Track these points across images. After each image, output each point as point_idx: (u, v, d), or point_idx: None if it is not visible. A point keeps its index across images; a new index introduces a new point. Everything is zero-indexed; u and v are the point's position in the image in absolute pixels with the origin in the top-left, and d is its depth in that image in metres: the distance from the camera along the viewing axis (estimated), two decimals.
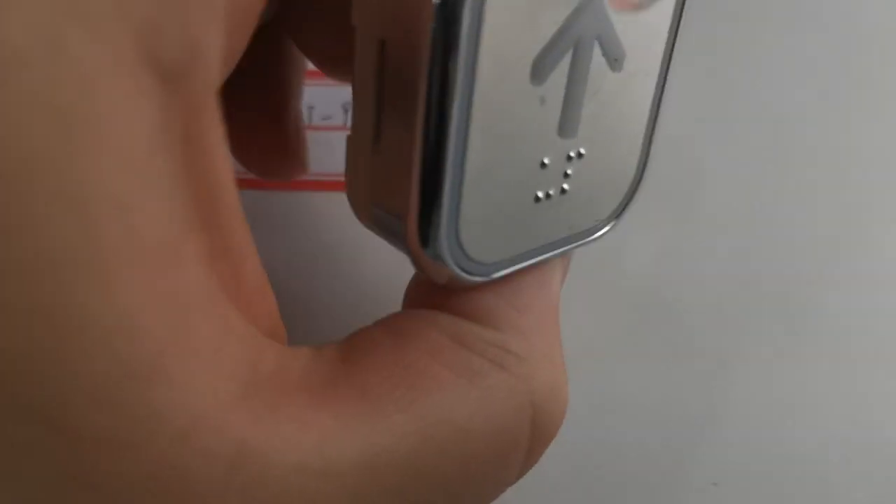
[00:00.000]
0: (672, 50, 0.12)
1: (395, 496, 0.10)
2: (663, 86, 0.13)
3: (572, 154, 0.12)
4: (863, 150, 0.21)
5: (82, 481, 0.07)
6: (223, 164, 0.09)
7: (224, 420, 0.08)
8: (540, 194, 0.12)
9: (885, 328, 0.19)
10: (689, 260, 0.20)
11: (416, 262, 0.11)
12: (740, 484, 0.18)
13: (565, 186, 0.12)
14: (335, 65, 0.15)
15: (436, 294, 0.12)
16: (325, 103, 0.22)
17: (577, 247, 0.13)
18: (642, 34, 0.12)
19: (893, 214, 0.21)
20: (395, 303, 0.20)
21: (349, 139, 0.12)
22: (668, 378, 0.19)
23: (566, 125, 0.11)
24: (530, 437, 0.11)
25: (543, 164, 0.11)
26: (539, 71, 0.11)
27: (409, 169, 0.10)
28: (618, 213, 0.13)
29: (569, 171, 0.12)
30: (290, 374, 0.09)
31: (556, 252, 0.12)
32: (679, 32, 0.12)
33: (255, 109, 0.17)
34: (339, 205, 0.21)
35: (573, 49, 0.11)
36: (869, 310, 0.20)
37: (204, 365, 0.08)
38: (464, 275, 0.11)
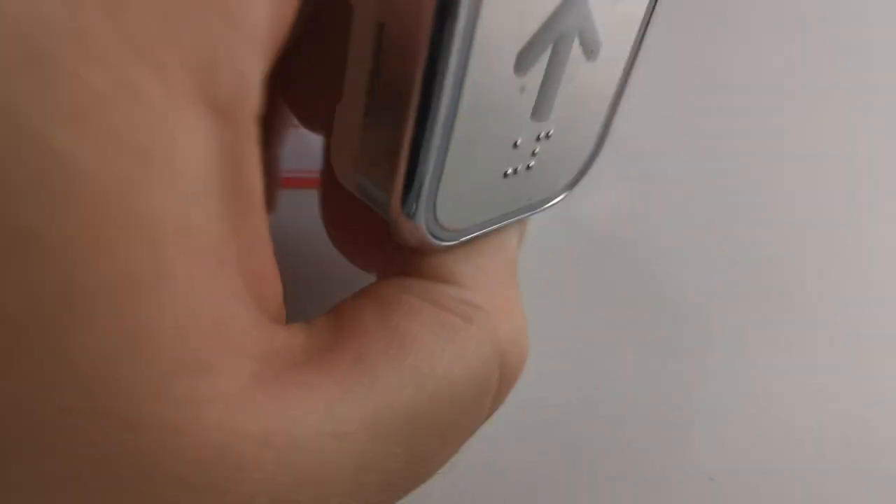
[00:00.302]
0: (643, 35, 0.13)
1: (398, 445, 0.11)
2: (630, 69, 0.13)
3: (542, 135, 0.13)
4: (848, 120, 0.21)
5: (146, 469, 0.08)
6: (258, 174, 0.10)
7: (251, 401, 0.09)
8: (509, 170, 0.13)
9: (884, 319, 0.19)
10: (689, 256, 0.21)
11: (393, 227, 0.12)
12: (737, 479, 0.18)
13: (531, 164, 0.13)
14: (312, 120, 0.17)
15: (407, 262, 0.13)
16: None
17: (533, 214, 0.14)
18: (618, 23, 0.13)
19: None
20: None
21: (338, 110, 0.12)
22: (665, 372, 0.19)
23: (540, 110, 0.12)
24: (499, 379, 0.13)
25: (516, 144, 0.12)
26: (522, 62, 0.11)
27: (399, 143, 0.11)
28: (572, 185, 0.14)
29: (536, 150, 0.13)
30: (294, 350, 0.11)
31: (515, 219, 0.14)
32: (652, 18, 0.13)
33: None
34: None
35: (554, 42, 0.12)
36: (867, 304, 0.19)
37: (235, 354, 0.09)
38: (434, 240, 0.12)
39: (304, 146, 0.21)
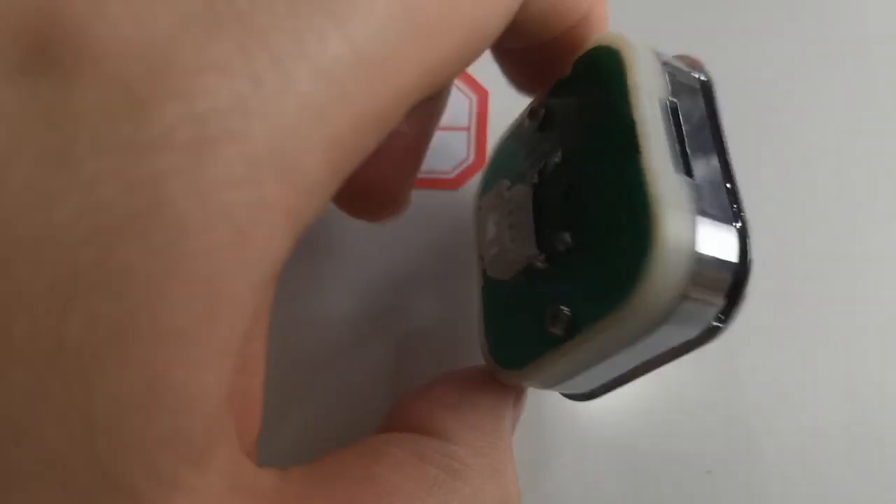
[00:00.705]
0: None
1: None
2: None
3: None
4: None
5: None
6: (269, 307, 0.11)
7: None
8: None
9: (882, 315, 0.20)
10: None
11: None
12: (734, 472, 0.18)
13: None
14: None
15: (402, 418, 0.14)
16: None
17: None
18: None
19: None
20: (390, 289, 0.20)
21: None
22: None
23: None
24: None
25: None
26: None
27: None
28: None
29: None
30: (264, 487, 0.10)
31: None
32: None
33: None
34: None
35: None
36: (865, 298, 0.20)
37: (217, 460, 0.09)
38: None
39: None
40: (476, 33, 0.11)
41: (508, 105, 0.22)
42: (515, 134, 0.16)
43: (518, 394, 0.15)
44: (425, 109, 0.17)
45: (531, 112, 0.15)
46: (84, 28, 0.08)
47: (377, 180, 0.17)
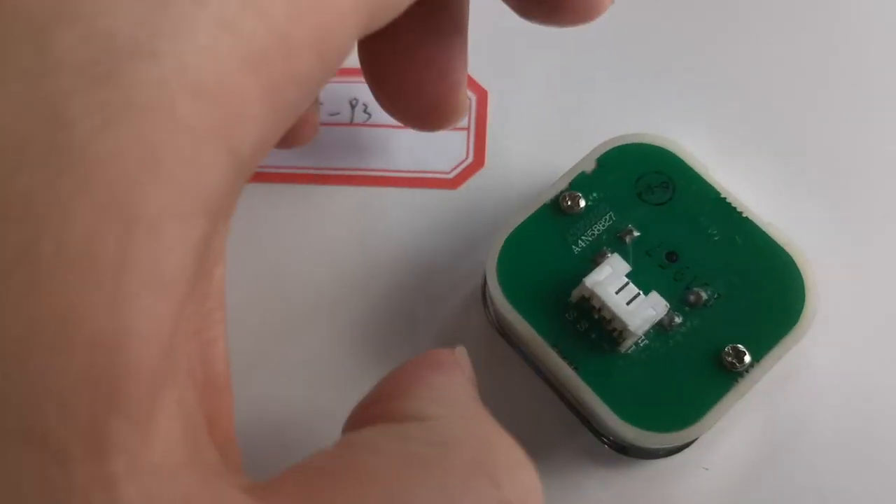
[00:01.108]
0: None
1: None
2: None
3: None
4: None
5: (26, 490, 0.08)
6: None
7: (162, 483, 0.08)
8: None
9: (879, 311, 0.20)
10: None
11: None
12: (730, 469, 0.18)
13: None
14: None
15: (369, 415, 0.12)
16: (332, 100, 0.23)
17: None
18: None
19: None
20: (391, 288, 0.20)
21: None
22: None
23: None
24: None
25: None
26: None
27: None
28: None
29: None
30: (236, 477, 0.10)
31: None
32: None
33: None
34: (342, 198, 0.21)
35: None
36: (862, 293, 0.20)
37: (161, 423, 0.08)
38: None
39: None
40: None
41: (508, 105, 0.22)
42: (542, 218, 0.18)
43: (465, 368, 0.14)
44: None
45: (564, 200, 0.17)
46: None
47: (427, 82, 0.17)
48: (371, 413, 0.12)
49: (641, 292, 0.15)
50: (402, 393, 0.12)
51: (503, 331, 0.19)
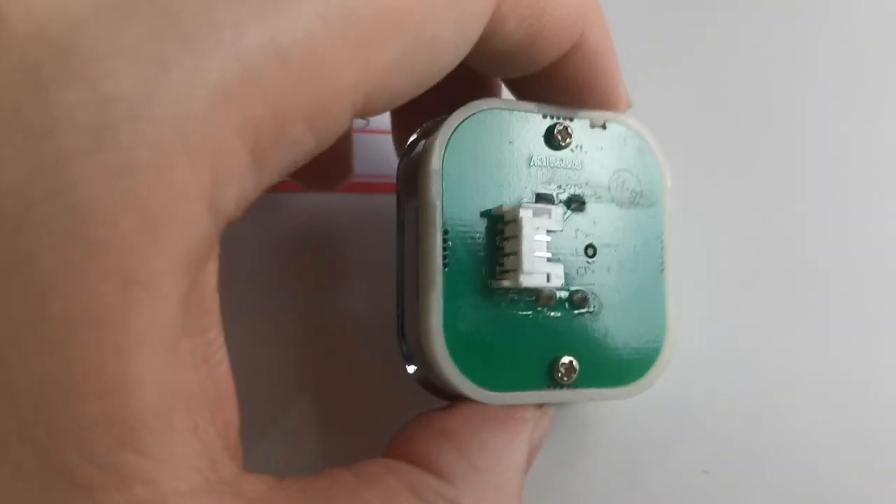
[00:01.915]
0: None
1: None
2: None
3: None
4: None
5: None
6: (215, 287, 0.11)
7: None
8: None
9: (882, 318, 0.20)
10: (690, 251, 0.21)
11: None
12: (731, 472, 0.18)
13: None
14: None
15: (407, 445, 0.13)
16: None
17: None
18: None
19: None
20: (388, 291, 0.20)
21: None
22: None
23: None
24: None
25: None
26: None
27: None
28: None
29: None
30: (247, 490, 0.10)
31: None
32: None
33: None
34: (343, 204, 0.22)
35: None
36: (864, 300, 0.20)
37: (177, 451, 0.09)
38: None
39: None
40: (426, 45, 0.11)
41: None
42: (522, 129, 0.16)
43: (538, 427, 0.14)
44: None
45: (560, 131, 0.16)
46: None
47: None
48: (414, 442, 0.13)
49: (550, 255, 0.15)
50: (450, 437, 0.13)
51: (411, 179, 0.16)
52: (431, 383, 0.16)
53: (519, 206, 0.15)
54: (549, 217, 0.15)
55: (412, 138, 0.16)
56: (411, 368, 0.16)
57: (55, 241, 0.08)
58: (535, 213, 0.15)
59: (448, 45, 0.11)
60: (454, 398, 0.15)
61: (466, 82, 0.16)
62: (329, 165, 0.18)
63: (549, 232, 0.15)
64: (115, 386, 0.09)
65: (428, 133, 0.15)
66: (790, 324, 0.20)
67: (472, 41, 0.12)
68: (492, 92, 0.18)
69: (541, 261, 0.14)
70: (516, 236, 0.14)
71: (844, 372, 0.19)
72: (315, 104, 0.10)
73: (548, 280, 0.15)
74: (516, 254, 0.14)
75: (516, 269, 0.14)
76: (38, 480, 0.08)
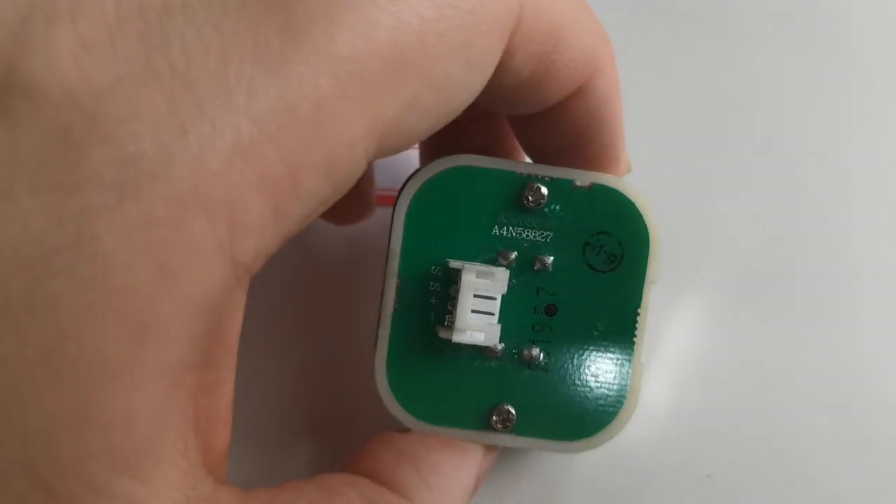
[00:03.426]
0: None
1: None
2: None
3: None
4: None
5: None
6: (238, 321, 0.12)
7: None
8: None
9: (882, 318, 0.20)
10: (691, 251, 0.21)
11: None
12: (734, 476, 0.18)
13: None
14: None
15: (367, 461, 0.14)
16: None
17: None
18: None
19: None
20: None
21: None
22: (661, 369, 0.19)
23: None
24: None
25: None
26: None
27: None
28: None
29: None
30: (219, 502, 0.11)
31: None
32: None
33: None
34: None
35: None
36: (864, 300, 0.20)
37: (165, 473, 0.10)
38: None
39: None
40: (437, 87, 0.11)
41: None
42: (493, 189, 0.16)
43: (486, 457, 0.16)
44: None
45: (533, 191, 0.16)
46: (35, 79, 0.09)
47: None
48: (374, 460, 0.14)
49: (495, 315, 0.15)
50: (408, 456, 0.14)
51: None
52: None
53: (463, 265, 0.15)
54: (493, 279, 0.15)
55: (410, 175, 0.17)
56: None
57: (76, 287, 0.09)
58: (479, 275, 0.15)
59: (461, 84, 0.12)
60: None
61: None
62: (349, 203, 0.18)
63: (494, 295, 0.15)
64: (119, 420, 0.09)
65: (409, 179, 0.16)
66: (789, 327, 0.20)
67: (486, 78, 0.12)
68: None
69: (477, 320, 0.15)
70: (460, 291, 0.15)
71: (844, 374, 0.19)
72: (328, 155, 0.10)
73: (483, 340, 0.15)
74: (455, 308, 0.15)
75: (453, 323, 0.15)
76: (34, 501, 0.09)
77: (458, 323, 0.15)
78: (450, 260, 0.15)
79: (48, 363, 0.09)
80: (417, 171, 0.16)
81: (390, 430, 0.16)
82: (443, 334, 0.15)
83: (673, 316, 0.20)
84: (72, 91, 0.09)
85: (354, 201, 0.19)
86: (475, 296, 0.15)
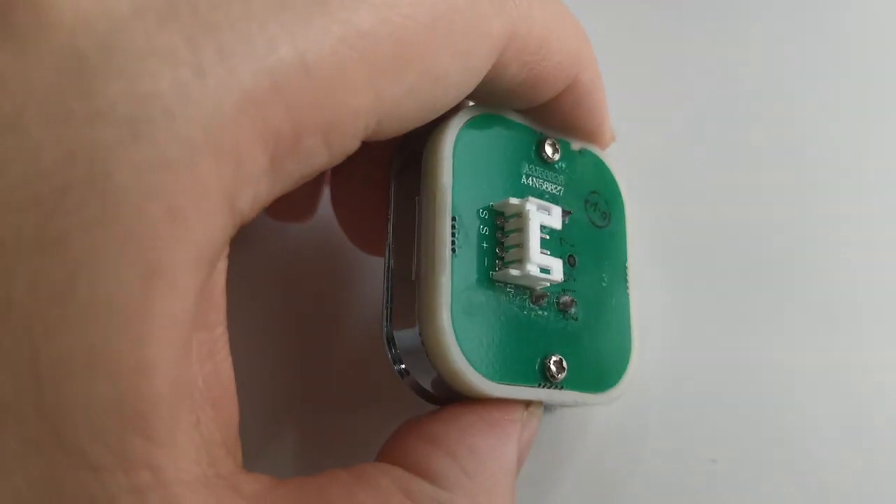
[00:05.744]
0: None
1: None
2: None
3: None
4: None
5: (67, 492, 0.09)
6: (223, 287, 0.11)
7: (180, 495, 0.09)
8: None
9: (884, 306, 0.20)
10: (688, 245, 0.21)
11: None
12: (739, 461, 0.18)
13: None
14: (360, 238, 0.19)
15: (398, 451, 0.13)
16: None
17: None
18: None
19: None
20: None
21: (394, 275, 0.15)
22: (665, 357, 0.19)
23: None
24: None
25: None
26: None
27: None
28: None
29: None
30: (244, 487, 0.11)
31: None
32: None
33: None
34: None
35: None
36: (866, 288, 0.20)
37: (180, 442, 0.10)
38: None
39: None
40: (434, 80, 0.12)
41: None
42: (518, 138, 0.16)
43: (526, 428, 0.15)
44: None
45: (550, 145, 0.17)
46: None
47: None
48: (403, 450, 0.13)
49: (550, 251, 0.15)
50: (441, 443, 0.13)
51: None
52: (420, 385, 0.15)
53: (527, 199, 0.15)
54: (550, 214, 0.15)
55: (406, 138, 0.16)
56: (399, 369, 0.15)
57: (87, 225, 0.09)
58: (540, 208, 0.15)
59: (454, 82, 0.12)
60: (443, 401, 0.15)
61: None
62: (299, 200, 0.19)
63: (545, 230, 0.15)
64: (129, 371, 0.09)
65: (426, 133, 0.15)
66: (787, 319, 0.20)
67: (477, 81, 0.13)
68: None
69: (546, 256, 0.15)
70: (521, 229, 0.15)
71: (844, 366, 0.19)
72: (332, 120, 0.11)
73: (553, 274, 0.15)
74: (521, 245, 0.15)
75: (521, 260, 0.15)
76: (51, 456, 0.09)
77: (532, 256, 0.14)
78: (508, 198, 0.15)
79: (59, 306, 0.09)
80: (441, 118, 0.14)
81: (413, 414, 0.15)
82: (514, 272, 0.14)
83: (677, 303, 0.20)
84: (87, 17, 0.09)
85: (303, 200, 0.19)
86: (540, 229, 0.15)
